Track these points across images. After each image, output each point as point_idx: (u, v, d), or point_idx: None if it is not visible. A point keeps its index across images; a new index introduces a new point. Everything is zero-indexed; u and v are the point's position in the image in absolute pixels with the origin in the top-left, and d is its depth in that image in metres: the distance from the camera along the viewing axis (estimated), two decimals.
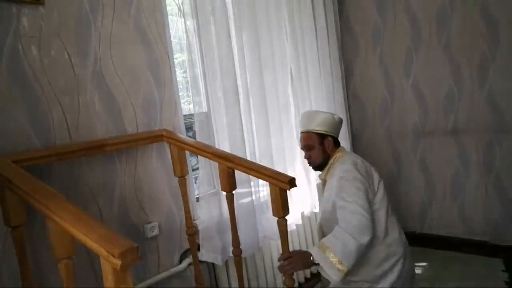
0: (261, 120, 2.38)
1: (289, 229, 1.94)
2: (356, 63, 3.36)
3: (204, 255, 2.07)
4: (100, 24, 1.74)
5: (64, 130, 1.60)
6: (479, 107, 2.84)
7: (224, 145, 2.19)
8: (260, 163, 2.06)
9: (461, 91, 2.90)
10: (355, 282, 1.83)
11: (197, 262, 1.99)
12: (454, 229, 3.07)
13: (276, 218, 1.70)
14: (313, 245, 2.56)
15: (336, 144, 2.02)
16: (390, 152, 3.30)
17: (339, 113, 3.05)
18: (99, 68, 1.73)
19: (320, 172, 2.09)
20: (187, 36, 2.09)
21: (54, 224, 1.05)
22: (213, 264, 2.16)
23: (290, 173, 2.11)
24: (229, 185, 1.80)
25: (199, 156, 2.10)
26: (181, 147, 1.87)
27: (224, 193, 1.85)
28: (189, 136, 2.29)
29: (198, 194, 2.24)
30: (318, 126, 1.99)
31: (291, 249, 2.32)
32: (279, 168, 2.34)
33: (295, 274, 1.95)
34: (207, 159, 1.99)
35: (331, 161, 1.99)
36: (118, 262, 0.88)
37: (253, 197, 2.26)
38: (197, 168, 2.25)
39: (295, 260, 1.69)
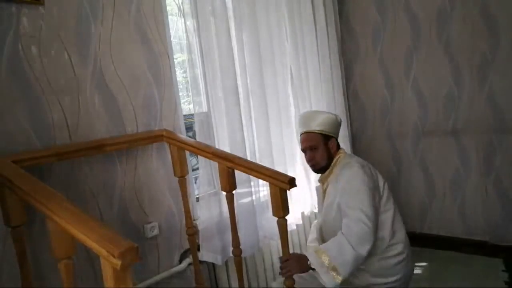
0: (261, 120, 2.38)
1: (289, 229, 1.94)
2: (356, 63, 3.36)
3: (204, 255, 2.07)
4: (100, 24, 1.74)
5: (64, 130, 1.60)
6: (479, 107, 2.84)
7: (224, 145, 2.19)
8: (260, 163, 2.06)
9: (461, 91, 2.90)
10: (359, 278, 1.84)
11: (197, 262, 1.99)
12: (454, 229, 3.07)
13: (276, 218, 1.70)
14: None
15: (338, 145, 2.01)
16: (390, 152, 3.30)
17: (339, 113, 3.05)
18: (99, 68, 1.73)
19: (318, 175, 2.07)
20: (187, 36, 2.09)
21: (54, 224, 1.05)
22: (213, 264, 2.16)
23: (290, 173, 2.10)
24: (229, 185, 1.80)
25: (199, 156, 2.10)
26: (181, 147, 1.87)
27: (224, 193, 1.85)
28: (189, 136, 2.29)
29: (198, 194, 2.24)
30: (321, 126, 1.94)
31: (291, 249, 2.33)
32: (279, 168, 2.34)
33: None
34: (207, 159, 1.99)
35: (333, 163, 1.96)
36: (118, 262, 0.88)
37: (253, 197, 2.26)
38: (197, 168, 2.25)
39: (293, 263, 1.69)
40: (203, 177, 2.17)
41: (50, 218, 1.06)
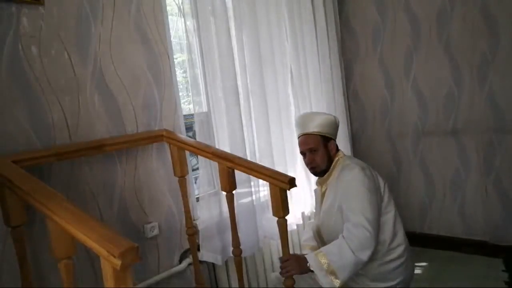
0: (261, 120, 2.38)
1: (289, 229, 1.94)
2: (356, 63, 3.36)
3: (204, 255, 2.07)
4: (100, 24, 1.74)
5: (64, 130, 1.60)
6: (479, 107, 2.84)
7: (224, 145, 2.19)
8: (260, 163, 2.06)
9: (461, 91, 2.90)
10: (358, 283, 1.83)
11: (197, 262, 1.99)
12: (454, 229, 3.07)
13: (276, 218, 1.70)
14: None
15: (336, 147, 1.98)
16: (390, 152, 3.30)
17: (339, 113, 3.06)
18: (99, 68, 1.73)
19: (316, 178, 2.03)
20: (187, 36, 2.09)
21: (54, 224, 1.05)
22: (213, 264, 2.16)
23: (291, 173, 2.10)
24: (229, 185, 1.80)
25: (199, 156, 2.10)
26: (181, 147, 1.87)
27: (224, 193, 1.85)
28: (189, 136, 2.29)
29: (198, 194, 2.24)
30: (320, 127, 1.90)
31: (291, 249, 2.32)
32: (279, 168, 2.34)
33: None
34: (207, 159, 1.99)
35: (332, 165, 1.92)
36: (118, 262, 0.88)
37: (253, 197, 2.26)
38: (197, 168, 2.25)
39: (292, 263, 1.69)
40: (203, 177, 2.17)
41: (50, 218, 1.06)
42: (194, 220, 2.10)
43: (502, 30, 2.68)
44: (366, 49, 3.29)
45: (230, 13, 2.26)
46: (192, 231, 1.96)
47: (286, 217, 1.70)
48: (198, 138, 2.09)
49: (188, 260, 2.04)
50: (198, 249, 2.04)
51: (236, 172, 1.82)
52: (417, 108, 3.11)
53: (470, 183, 2.97)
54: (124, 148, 1.79)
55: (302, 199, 2.67)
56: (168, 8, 2.08)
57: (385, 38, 3.17)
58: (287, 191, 1.68)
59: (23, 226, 1.32)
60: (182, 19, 2.16)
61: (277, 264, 2.39)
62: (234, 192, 1.84)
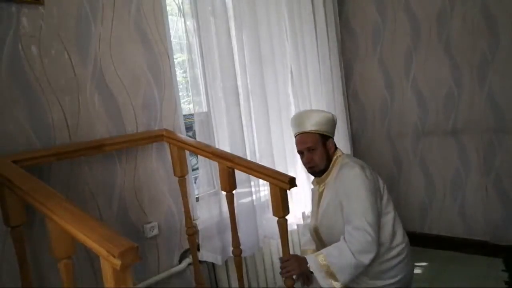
0: (261, 120, 2.38)
1: (289, 228, 1.94)
2: (356, 63, 3.36)
3: (204, 255, 2.07)
4: (100, 24, 1.74)
5: (64, 130, 1.60)
6: (479, 107, 2.84)
7: (224, 145, 2.19)
8: (260, 163, 2.06)
9: (461, 91, 2.90)
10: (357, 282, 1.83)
11: (197, 262, 1.99)
12: (454, 229, 3.07)
13: (276, 218, 1.70)
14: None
15: (335, 145, 1.93)
16: (390, 152, 3.30)
17: (339, 113, 3.05)
18: (99, 68, 1.73)
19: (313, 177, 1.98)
20: (187, 36, 2.09)
21: (53, 224, 1.05)
22: (213, 264, 2.16)
23: (291, 173, 2.11)
24: (229, 185, 1.80)
25: (199, 156, 2.10)
26: (181, 147, 1.87)
27: (224, 193, 1.85)
28: (189, 136, 2.29)
29: (198, 194, 2.24)
30: (318, 125, 1.84)
31: (291, 249, 2.32)
32: (279, 168, 2.34)
33: None
34: (207, 159, 1.99)
35: (331, 164, 1.88)
36: (118, 262, 0.87)
37: (253, 197, 2.26)
38: (197, 168, 2.25)
39: (292, 264, 1.69)
40: (203, 177, 2.17)
41: (50, 218, 1.06)
42: (194, 220, 2.10)
43: (502, 30, 2.68)
44: (366, 49, 3.29)
45: (230, 13, 2.26)
46: (192, 231, 1.96)
47: (286, 217, 1.70)
48: (198, 138, 2.09)
49: (188, 260, 2.04)
50: (198, 249, 2.04)
51: (236, 171, 1.82)
52: (417, 108, 3.11)
53: (470, 183, 2.96)
54: (124, 148, 1.79)
55: (303, 199, 2.67)
56: (168, 8, 2.08)
57: (385, 38, 3.17)
58: (287, 191, 1.68)
59: (23, 226, 1.32)
60: (182, 19, 2.16)
61: (278, 265, 2.39)
62: (234, 192, 1.84)
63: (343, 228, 1.73)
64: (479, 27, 2.75)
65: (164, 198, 1.99)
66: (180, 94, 2.16)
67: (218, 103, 2.17)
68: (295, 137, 1.92)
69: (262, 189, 2.37)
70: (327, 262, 1.64)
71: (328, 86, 2.98)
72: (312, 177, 2.00)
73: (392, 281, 1.80)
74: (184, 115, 2.16)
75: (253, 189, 2.26)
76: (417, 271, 2.74)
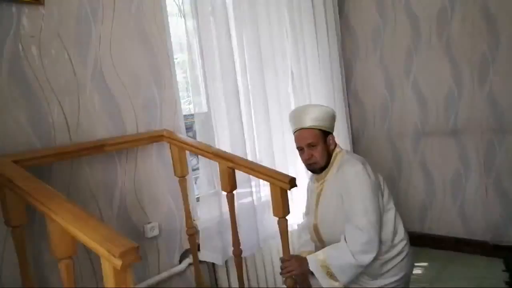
0: (261, 120, 2.38)
1: (290, 229, 1.93)
2: (356, 63, 3.36)
3: (204, 255, 2.07)
4: (100, 24, 1.74)
5: (64, 130, 1.60)
6: (479, 107, 2.84)
7: (224, 145, 2.19)
8: (261, 163, 2.06)
9: (461, 91, 2.90)
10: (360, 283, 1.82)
11: (197, 262, 1.99)
12: (454, 229, 3.07)
13: (277, 218, 1.70)
14: None
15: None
16: (390, 152, 3.30)
17: (339, 113, 3.05)
18: (99, 68, 1.73)
19: (311, 173, 1.94)
20: (187, 36, 2.09)
21: (54, 224, 1.05)
22: (213, 264, 2.16)
23: (292, 173, 2.10)
24: (230, 185, 1.80)
25: (199, 156, 2.10)
26: (182, 147, 1.87)
27: (225, 193, 1.85)
28: (189, 136, 2.29)
29: (198, 194, 2.24)
30: (318, 121, 1.77)
31: (291, 249, 2.32)
32: (280, 168, 2.34)
33: None
34: (207, 159, 1.99)
35: (331, 161, 1.83)
36: (118, 262, 0.87)
37: (254, 197, 2.26)
38: (197, 168, 2.25)
39: (293, 264, 1.69)
40: (203, 177, 2.17)
41: (50, 218, 1.06)
42: (194, 220, 2.10)
43: (502, 30, 2.68)
44: (366, 49, 3.29)
45: (230, 13, 2.26)
46: (192, 231, 1.96)
47: (287, 217, 1.70)
48: (198, 138, 2.09)
49: (188, 260, 2.04)
50: (198, 249, 2.04)
51: (236, 171, 1.82)
52: (417, 108, 3.11)
53: (470, 183, 2.96)
54: (124, 148, 1.79)
55: (303, 199, 2.66)
56: (168, 8, 2.08)
57: (385, 38, 3.17)
58: (288, 191, 1.68)
59: (24, 226, 1.31)
60: (182, 19, 2.16)
61: (278, 264, 2.38)
62: (234, 192, 1.84)
63: (344, 226, 1.72)
64: (479, 27, 2.75)
65: (164, 198, 1.99)
66: (180, 94, 2.16)
67: (218, 103, 2.17)
68: (294, 133, 1.86)
69: (263, 189, 2.37)
70: (327, 262, 1.64)
71: (328, 86, 2.98)
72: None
73: (395, 278, 1.79)
74: (184, 115, 2.16)
75: (253, 189, 2.26)
76: (417, 271, 2.74)
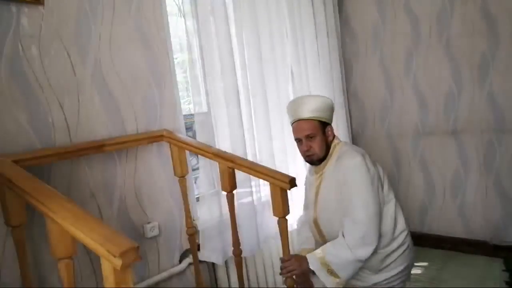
0: (262, 120, 2.38)
1: (290, 228, 1.93)
2: (356, 63, 3.36)
3: (204, 255, 2.07)
4: (100, 24, 1.74)
5: (64, 130, 1.60)
6: (479, 107, 2.84)
7: (224, 145, 2.19)
8: (261, 163, 2.06)
9: (461, 91, 2.90)
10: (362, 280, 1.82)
11: (197, 262, 1.99)
12: (454, 229, 3.07)
13: (277, 218, 1.70)
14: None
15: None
16: (390, 152, 3.30)
17: (339, 113, 3.05)
18: (99, 68, 1.73)
19: (309, 165, 1.91)
20: (187, 36, 2.09)
21: (54, 223, 1.05)
22: (213, 264, 2.16)
23: (292, 173, 2.10)
24: (230, 185, 1.80)
25: (199, 156, 2.10)
26: (181, 147, 1.87)
27: (225, 193, 1.85)
28: (189, 136, 2.29)
29: (198, 194, 2.24)
30: (316, 112, 1.74)
31: (291, 249, 2.32)
32: (280, 168, 2.34)
33: None
34: (207, 159, 1.99)
35: (330, 152, 1.81)
36: (118, 261, 0.87)
37: (254, 197, 2.26)
38: (197, 168, 2.25)
39: (293, 263, 1.69)
40: (203, 177, 2.17)
41: (50, 218, 1.06)
42: (194, 220, 2.10)
43: (502, 30, 2.68)
44: (366, 49, 3.29)
45: (230, 13, 2.26)
46: (192, 231, 1.96)
47: (287, 217, 1.70)
48: (198, 138, 2.09)
49: (188, 260, 2.04)
50: (198, 249, 2.04)
51: (236, 171, 1.82)
52: (417, 108, 3.11)
53: (470, 183, 2.97)
54: (124, 148, 1.79)
55: (303, 199, 2.66)
56: (168, 8, 2.07)
57: (385, 38, 3.17)
58: (288, 191, 1.68)
59: (24, 225, 1.31)
60: (182, 19, 2.16)
61: (278, 264, 2.38)
62: (234, 192, 1.84)
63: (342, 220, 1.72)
64: (479, 27, 2.75)
65: (164, 198, 1.99)
66: (180, 94, 2.16)
67: (218, 103, 2.17)
68: (292, 124, 1.83)
69: (263, 189, 2.37)
70: (327, 260, 1.64)
71: (328, 86, 2.98)
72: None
73: (396, 271, 1.78)
74: (184, 115, 2.16)
75: (253, 189, 2.26)
76: (417, 271, 2.75)
